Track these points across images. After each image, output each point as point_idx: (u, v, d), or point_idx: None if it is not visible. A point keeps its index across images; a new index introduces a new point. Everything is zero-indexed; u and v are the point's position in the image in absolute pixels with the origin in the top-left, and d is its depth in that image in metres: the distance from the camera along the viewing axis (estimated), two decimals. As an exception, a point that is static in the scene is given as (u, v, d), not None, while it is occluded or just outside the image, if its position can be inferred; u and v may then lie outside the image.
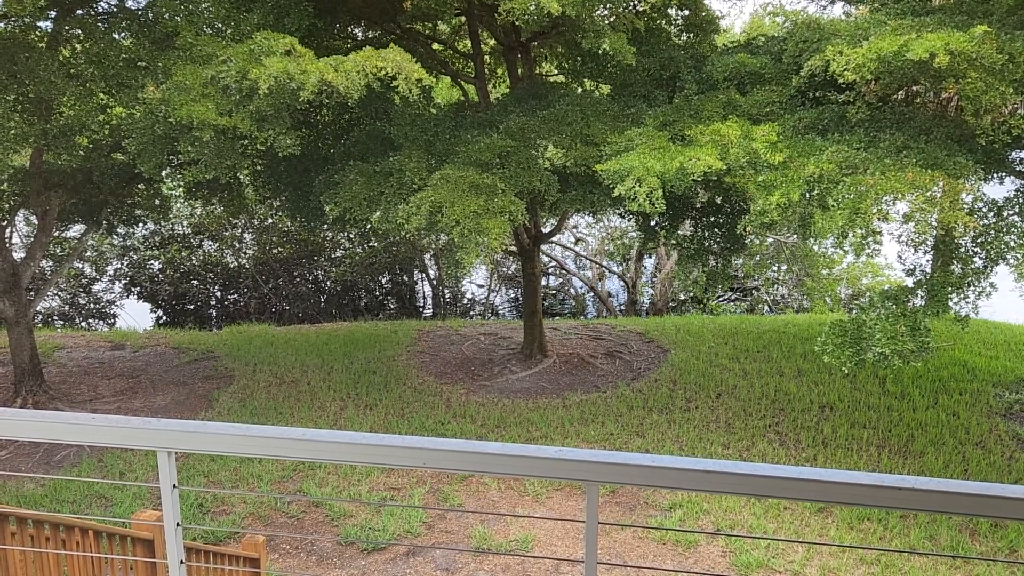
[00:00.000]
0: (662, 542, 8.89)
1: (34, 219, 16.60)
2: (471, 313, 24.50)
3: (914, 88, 10.40)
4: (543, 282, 23.26)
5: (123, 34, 10.96)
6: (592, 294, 24.68)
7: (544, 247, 21.25)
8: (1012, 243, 8.97)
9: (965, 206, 9.68)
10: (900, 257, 10.84)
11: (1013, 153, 10.27)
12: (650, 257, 24.63)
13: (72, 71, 10.45)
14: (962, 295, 9.36)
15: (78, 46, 11.06)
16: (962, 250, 9.46)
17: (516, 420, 11.97)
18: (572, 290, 25.57)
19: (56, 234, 16.97)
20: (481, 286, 25.68)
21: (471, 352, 15.22)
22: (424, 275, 24.35)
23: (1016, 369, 13.49)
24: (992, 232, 9.16)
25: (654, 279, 24.49)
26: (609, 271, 25.22)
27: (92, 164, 12.10)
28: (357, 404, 12.55)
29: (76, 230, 16.78)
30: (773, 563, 8.48)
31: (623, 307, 24.04)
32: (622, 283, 24.68)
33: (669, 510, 9.54)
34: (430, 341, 15.89)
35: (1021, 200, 9.43)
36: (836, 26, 9.62)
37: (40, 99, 10.20)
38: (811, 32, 9.80)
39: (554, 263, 24.93)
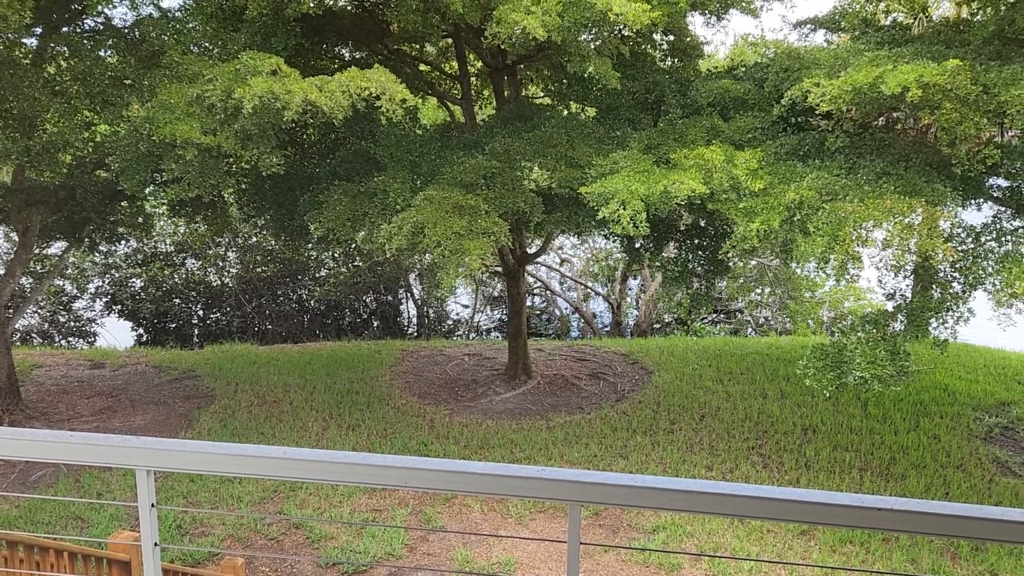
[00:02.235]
0: (645, 564, 8.85)
1: (15, 235, 16.44)
2: (456, 333, 24.43)
3: (894, 115, 10.57)
4: (528, 303, 23.27)
5: (109, 52, 10.95)
6: (577, 315, 24.72)
7: (529, 268, 21.29)
8: (990, 269, 9.09)
9: (944, 232, 9.81)
10: (880, 281, 10.95)
11: (991, 180, 10.43)
12: (635, 279, 24.71)
13: (56, 88, 10.41)
14: (941, 320, 9.45)
15: (63, 63, 11.04)
16: (941, 275, 9.56)
17: (500, 441, 11.92)
18: (557, 311, 25.57)
19: (37, 251, 16.79)
20: (466, 306, 25.63)
21: (455, 373, 15.17)
22: (409, 295, 24.29)
23: (996, 393, 13.63)
24: (970, 258, 9.28)
25: (639, 301, 24.57)
26: (594, 292, 25.27)
27: (75, 181, 12.01)
28: (340, 424, 12.45)
29: (57, 247, 16.61)
30: (756, 586, 8.46)
31: (608, 328, 24.08)
32: (607, 304, 24.73)
33: (652, 532, 9.51)
34: (414, 361, 15.82)
35: (998, 226, 9.57)
36: (816, 55, 9.79)
37: (23, 115, 10.15)
38: (792, 61, 9.96)
39: (539, 284, 24.96)
